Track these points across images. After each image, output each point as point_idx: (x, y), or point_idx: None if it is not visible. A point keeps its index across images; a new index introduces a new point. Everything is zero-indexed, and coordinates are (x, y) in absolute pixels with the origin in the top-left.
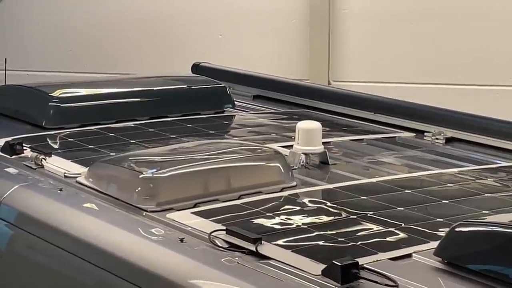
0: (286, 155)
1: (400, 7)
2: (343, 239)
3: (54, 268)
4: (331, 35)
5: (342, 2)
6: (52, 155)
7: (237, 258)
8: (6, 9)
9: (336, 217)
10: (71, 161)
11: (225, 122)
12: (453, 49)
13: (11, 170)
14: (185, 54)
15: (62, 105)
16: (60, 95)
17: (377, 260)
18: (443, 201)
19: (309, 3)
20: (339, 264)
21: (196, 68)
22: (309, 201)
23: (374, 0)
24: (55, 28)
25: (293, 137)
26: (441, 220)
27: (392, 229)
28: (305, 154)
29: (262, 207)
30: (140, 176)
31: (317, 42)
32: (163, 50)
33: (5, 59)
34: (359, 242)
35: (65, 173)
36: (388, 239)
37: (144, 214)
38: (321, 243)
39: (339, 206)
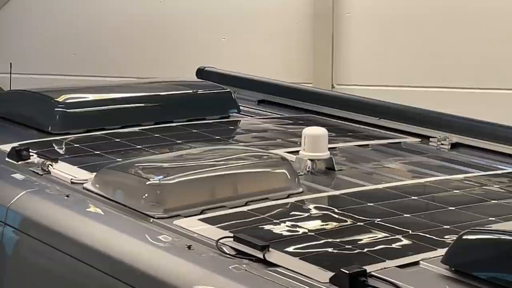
0: (292, 161)
1: (404, 10)
2: (350, 247)
3: (61, 274)
4: (334, 38)
5: (345, 5)
6: (59, 161)
7: (244, 266)
8: (10, 12)
9: (343, 224)
10: (78, 167)
11: (230, 127)
12: (458, 52)
13: (17, 176)
14: (188, 58)
15: (68, 110)
16: (66, 101)
17: (384, 268)
18: (450, 208)
19: (313, 6)
20: (347, 272)
21: (201, 72)
22: (316, 208)
23: (378, 3)
24: (58, 31)
25: (298, 143)
26: (448, 227)
27: (399, 236)
28: (311, 160)
29: (269, 214)
30: (147, 183)
31: (320, 45)
32: (166, 54)
33: (10, 63)
34: (366, 250)
35: (72, 179)
36: (395, 246)
37: (151, 220)
38: (328, 250)
39: (345, 213)
